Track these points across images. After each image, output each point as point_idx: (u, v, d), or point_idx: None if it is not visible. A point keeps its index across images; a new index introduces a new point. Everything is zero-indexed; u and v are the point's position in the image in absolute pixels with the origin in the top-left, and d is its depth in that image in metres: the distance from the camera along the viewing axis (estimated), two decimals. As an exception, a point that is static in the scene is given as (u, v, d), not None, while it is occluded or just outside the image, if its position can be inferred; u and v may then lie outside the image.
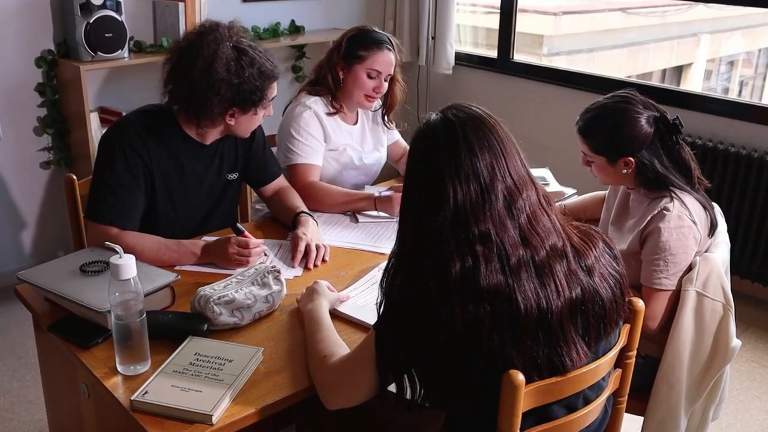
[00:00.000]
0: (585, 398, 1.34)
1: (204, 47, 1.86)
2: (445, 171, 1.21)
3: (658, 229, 1.80)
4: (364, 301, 1.73)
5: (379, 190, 2.37)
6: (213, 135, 2.02)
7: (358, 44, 2.36)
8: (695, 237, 1.82)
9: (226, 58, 1.86)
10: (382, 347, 1.28)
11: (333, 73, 2.39)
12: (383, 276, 1.30)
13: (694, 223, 1.81)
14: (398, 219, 1.31)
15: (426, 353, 1.23)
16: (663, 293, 1.82)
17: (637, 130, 1.84)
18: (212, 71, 1.85)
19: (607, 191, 2.16)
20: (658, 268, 1.80)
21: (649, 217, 1.83)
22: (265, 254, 1.94)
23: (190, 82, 1.86)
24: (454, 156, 1.22)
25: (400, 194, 1.32)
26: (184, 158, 2.00)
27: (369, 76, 2.37)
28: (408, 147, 2.71)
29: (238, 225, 1.91)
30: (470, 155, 1.22)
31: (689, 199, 1.84)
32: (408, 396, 1.29)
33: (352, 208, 2.31)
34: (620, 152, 1.86)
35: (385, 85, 2.42)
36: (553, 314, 1.20)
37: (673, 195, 1.83)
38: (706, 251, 1.87)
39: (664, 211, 1.81)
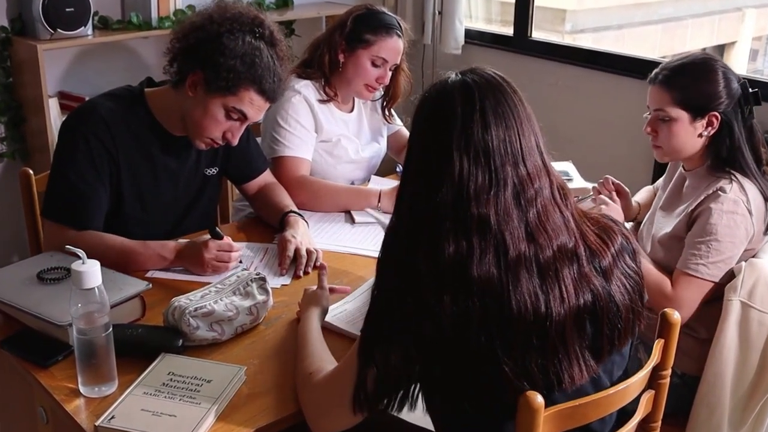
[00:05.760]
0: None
1: (241, 11, 1.88)
2: (455, 142, 1.23)
3: (708, 209, 1.82)
4: (362, 313, 1.72)
5: (382, 186, 2.38)
6: (176, 122, 1.97)
7: (365, 26, 2.36)
8: (747, 229, 1.83)
9: (241, 23, 1.85)
10: (366, 339, 1.29)
11: (332, 55, 2.39)
12: (379, 253, 1.31)
13: (750, 213, 1.82)
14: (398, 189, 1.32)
15: (411, 343, 1.23)
16: (695, 281, 1.83)
17: (727, 83, 1.87)
18: (217, 16, 1.85)
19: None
20: (699, 252, 1.82)
21: (702, 197, 1.85)
22: (240, 261, 1.93)
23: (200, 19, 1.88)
24: (467, 128, 1.23)
25: None
26: (156, 150, 2.00)
27: (373, 64, 2.37)
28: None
29: (218, 229, 1.89)
30: (484, 131, 1.23)
31: (750, 186, 1.86)
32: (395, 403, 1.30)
33: (349, 206, 2.32)
34: (708, 105, 1.87)
35: (389, 74, 2.42)
36: (553, 322, 1.21)
37: (734, 178, 1.85)
38: (753, 256, 1.87)
39: (720, 192, 1.83)
